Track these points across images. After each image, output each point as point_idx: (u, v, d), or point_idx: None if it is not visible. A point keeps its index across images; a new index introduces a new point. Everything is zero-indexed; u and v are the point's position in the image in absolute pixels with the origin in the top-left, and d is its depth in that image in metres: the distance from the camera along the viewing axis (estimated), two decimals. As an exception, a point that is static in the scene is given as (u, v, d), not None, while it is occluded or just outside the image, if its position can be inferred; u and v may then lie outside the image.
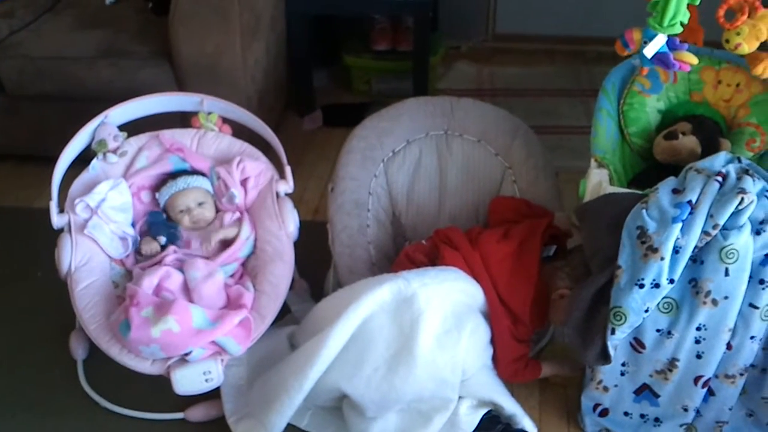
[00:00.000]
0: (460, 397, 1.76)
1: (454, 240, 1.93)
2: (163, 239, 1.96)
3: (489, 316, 1.84)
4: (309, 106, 3.09)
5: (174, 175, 2.04)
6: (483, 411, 1.76)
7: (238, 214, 2.02)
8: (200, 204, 2.01)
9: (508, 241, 1.90)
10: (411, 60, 3.03)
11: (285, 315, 1.97)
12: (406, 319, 1.71)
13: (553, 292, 1.82)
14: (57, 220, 1.91)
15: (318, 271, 2.13)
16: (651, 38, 1.68)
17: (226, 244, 1.98)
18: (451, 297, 1.77)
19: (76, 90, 2.54)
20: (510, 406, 1.78)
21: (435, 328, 1.72)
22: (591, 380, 1.76)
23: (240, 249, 1.95)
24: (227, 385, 1.84)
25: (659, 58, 1.72)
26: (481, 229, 2.00)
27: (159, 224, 2.00)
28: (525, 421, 1.78)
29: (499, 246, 1.89)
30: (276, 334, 1.92)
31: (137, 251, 1.97)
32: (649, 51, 1.70)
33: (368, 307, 1.71)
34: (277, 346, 1.91)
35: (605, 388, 1.75)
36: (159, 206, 2.05)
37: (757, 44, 1.68)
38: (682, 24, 1.63)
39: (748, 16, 1.66)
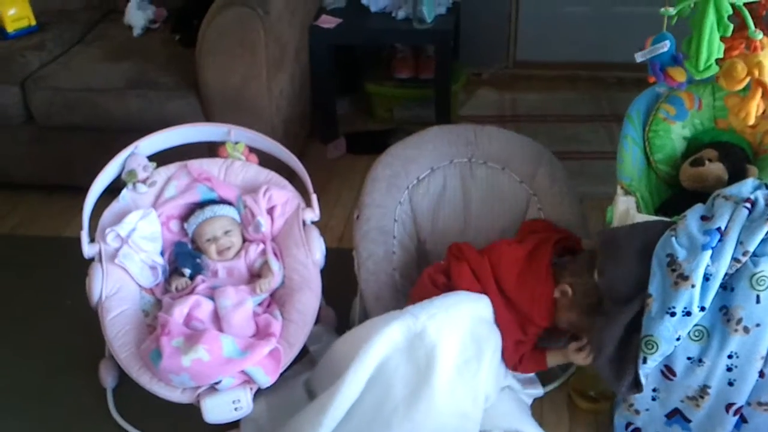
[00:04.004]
0: (485, 431, 1.76)
1: (464, 252, 1.95)
2: (188, 271, 1.98)
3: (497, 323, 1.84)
4: (332, 134, 3.12)
5: (202, 204, 2.06)
6: None
7: (262, 246, 2.04)
8: (227, 232, 2.03)
9: (521, 245, 1.93)
10: (433, 87, 3.05)
11: (303, 356, 1.95)
12: (421, 355, 1.70)
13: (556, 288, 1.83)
14: (88, 249, 1.94)
15: (344, 298, 2.14)
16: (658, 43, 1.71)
17: (254, 273, 2.02)
18: (463, 321, 1.76)
19: (104, 121, 2.58)
20: None
21: (453, 358, 1.71)
22: (623, 401, 1.75)
23: (277, 282, 1.97)
24: None
25: (652, 66, 1.74)
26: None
27: (185, 255, 2.03)
28: None
29: (511, 248, 1.93)
30: (292, 383, 1.91)
31: (167, 286, 2.00)
32: (639, 56, 1.72)
33: (380, 349, 1.69)
34: (294, 395, 1.89)
35: (636, 411, 1.73)
36: (187, 235, 2.07)
37: (735, 84, 1.65)
38: (717, 62, 1.63)
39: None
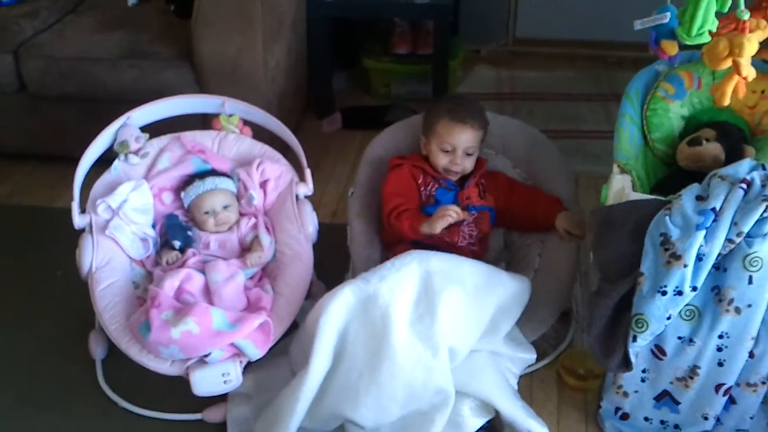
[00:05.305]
0: (463, 395, 1.75)
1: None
2: (178, 243, 1.96)
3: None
4: (328, 108, 3.09)
5: (201, 175, 2.04)
6: (485, 419, 1.75)
7: (254, 220, 2.03)
8: (226, 207, 2.02)
9: None
10: (431, 63, 3.03)
11: (293, 330, 1.92)
12: (377, 316, 1.71)
13: None
14: (78, 220, 1.92)
15: (336, 273, 2.13)
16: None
17: (246, 247, 2.00)
18: (413, 278, 1.77)
19: (97, 91, 2.56)
20: (510, 411, 1.74)
21: (407, 316, 1.73)
22: (612, 384, 1.75)
23: (267, 257, 1.97)
24: (233, 421, 1.83)
25: (649, 36, 1.73)
26: None
27: (175, 227, 2.01)
28: (529, 423, 1.74)
29: None
30: (281, 357, 1.91)
31: (157, 259, 1.98)
32: (638, 23, 1.72)
33: (336, 313, 1.71)
34: (283, 369, 1.90)
35: (625, 394, 1.73)
36: (181, 207, 2.06)
37: (716, 62, 1.61)
38: (710, 33, 1.61)
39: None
